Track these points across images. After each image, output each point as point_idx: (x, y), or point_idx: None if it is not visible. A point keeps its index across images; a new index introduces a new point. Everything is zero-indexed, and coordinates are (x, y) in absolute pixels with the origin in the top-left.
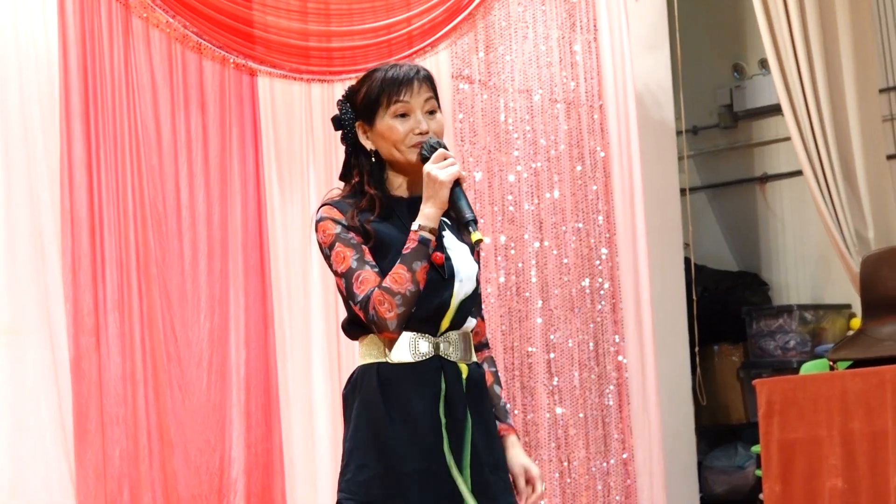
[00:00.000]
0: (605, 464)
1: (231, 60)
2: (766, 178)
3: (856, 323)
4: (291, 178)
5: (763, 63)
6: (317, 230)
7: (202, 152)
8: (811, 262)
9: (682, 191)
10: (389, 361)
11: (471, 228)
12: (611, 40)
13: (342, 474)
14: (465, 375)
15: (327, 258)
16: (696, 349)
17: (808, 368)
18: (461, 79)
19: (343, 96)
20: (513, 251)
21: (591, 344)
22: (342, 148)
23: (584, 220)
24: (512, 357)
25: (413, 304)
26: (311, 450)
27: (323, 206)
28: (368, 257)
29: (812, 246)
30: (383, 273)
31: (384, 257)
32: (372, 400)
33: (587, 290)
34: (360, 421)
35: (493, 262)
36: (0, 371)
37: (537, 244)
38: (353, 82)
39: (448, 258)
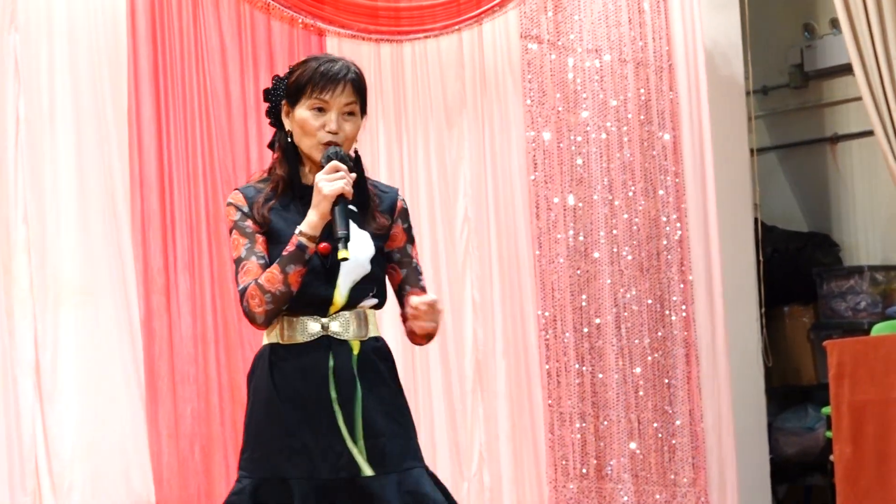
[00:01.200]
0: (673, 425)
1: (299, 21)
2: (836, 139)
3: None
4: (360, 135)
5: (834, 22)
6: (226, 212)
7: None
8: (882, 223)
9: (752, 151)
10: (281, 342)
11: (338, 246)
12: None
13: (241, 453)
14: (356, 352)
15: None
16: (765, 311)
17: (880, 329)
18: (529, 39)
19: (277, 77)
20: (581, 212)
21: (659, 305)
22: (412, 107)
23: (654, 180)
24: (580, 318)
25: (283, 303)
26: None
27: (233, 191)
28: (259, 248)
29: (883, 206)
30: (270, 264)
31: (276, 245)
32: (263, 382)
33: (656, 251)
34: (255, 402)
35: (561, 222)
36: (74, 331)
37: (606, 205)
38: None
39: (334, 248)
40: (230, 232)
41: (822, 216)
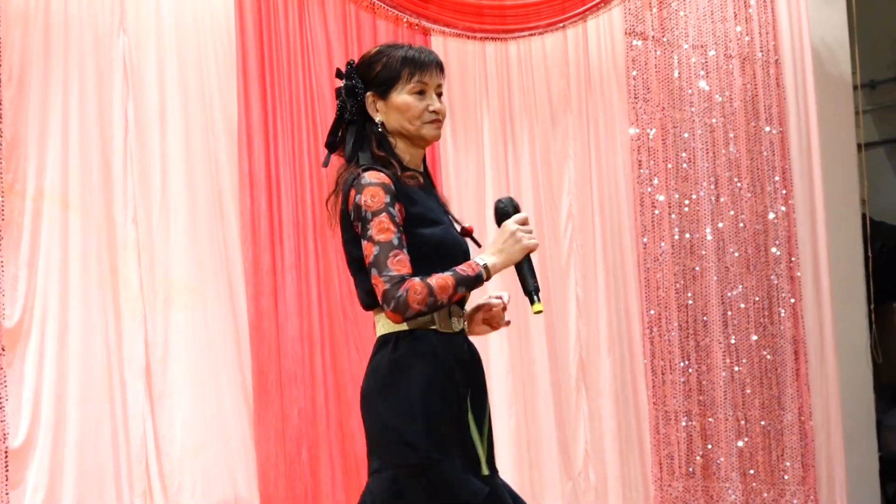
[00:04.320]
0: (781, 423)
1: (404, 20)
2: None
3: None
4: (466, 133)
5: None
6: (363, 192)
7: None
8: None
9: (859, 146)
10: (439, 330)
11: (535, 298)
12: None
13: (413, 434)
14: (466, 346)
15: (364, 220)
16: (873, 307)
17: None
18: (634, 35)
19: (351, 66)
20: (686, 209)
21: (767, 302)
22: (517, 105)
23: (760, 176)
24: (686, 315)
25: (433, 312)
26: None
27: (370, 170)
28: (405, 241)
29: None
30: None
31: (420, 227)
32: (430, 366)
33: (763, 248)
34: (424, 384)
35: (666, 219)
36: (183, 332)
37: (712, 201)
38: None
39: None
40: (375, 213)
41: None
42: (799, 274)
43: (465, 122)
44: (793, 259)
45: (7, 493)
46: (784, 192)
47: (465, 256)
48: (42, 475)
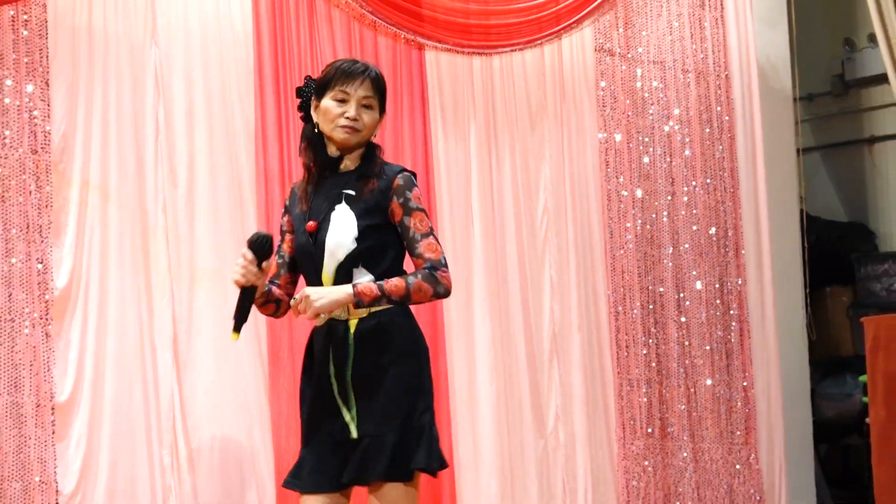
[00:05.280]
0: (727, 391)
1: (402, 36)
2: (873, 140)
3: None
4: (456, 136)
5: (871, 37)
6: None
7: None
8: None
9: (798, 151)
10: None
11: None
12: (735, 16)
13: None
14: (352, 330)
15: None
16: (809, 291)
17: None
18: (603, 52)
19: (308, 76)
20: (647, 203)
21: (716, 285)
22: (500, 112)
23: (712, 176)
24: (646, 296)
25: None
26: (473, 374)
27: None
28: (284, 246)
29: None
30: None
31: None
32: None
33: (714, 238)
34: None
35: (630, 212)
36: (206, 308)
37: (670, 197)
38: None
39: (316, 232)
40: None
41: (860, 208)
42: (744, 261)
43: (455, 126)
44: (739, 248)
45: (53, 445)
46: (732, 190)
47: (306, 256)
48: (83, 429)
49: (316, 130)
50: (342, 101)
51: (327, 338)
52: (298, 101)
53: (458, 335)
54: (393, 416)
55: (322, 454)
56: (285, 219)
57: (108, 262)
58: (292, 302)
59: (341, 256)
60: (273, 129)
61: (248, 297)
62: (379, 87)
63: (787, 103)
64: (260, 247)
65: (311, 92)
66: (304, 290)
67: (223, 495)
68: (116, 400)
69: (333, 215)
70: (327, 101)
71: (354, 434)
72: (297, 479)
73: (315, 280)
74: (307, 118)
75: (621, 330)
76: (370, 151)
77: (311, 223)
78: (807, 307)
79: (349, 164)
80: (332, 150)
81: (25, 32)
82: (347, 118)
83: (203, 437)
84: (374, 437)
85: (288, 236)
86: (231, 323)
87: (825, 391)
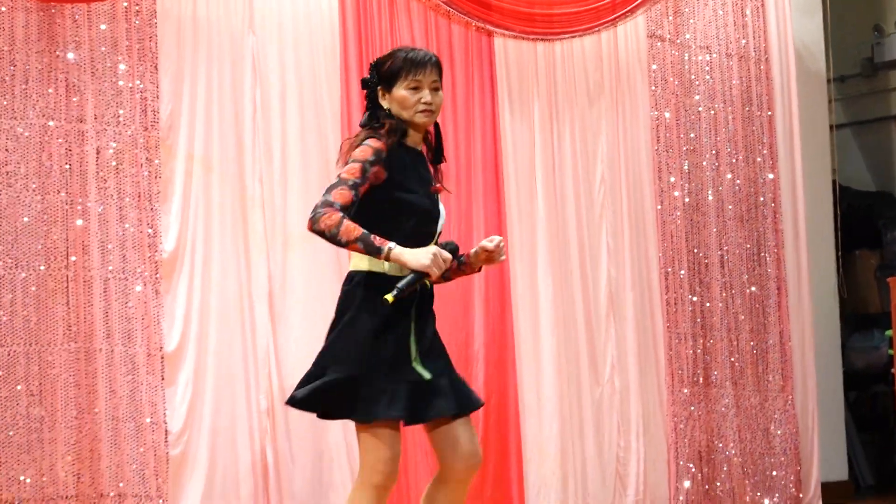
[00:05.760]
0: (765, 344)
1: (473, 25)
2: None
3: None
4: (521, 115)
5: None
6: (360, 147)
7: (451, 96)
8: None
9: (831, 127)
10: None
11: (393, 292)
12: (774, 5)
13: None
14: (432, 289)
15: (347, 162)
16: (840, 254)
17: None
18: (654, 38)
19: (371, 65)
20: (694, 175)
21: (756, 249)
22: (561, 92)
23: (753, 150)
24: (693, 259)
25: (329, 241)
26: (538, 330)
27: (372, 137)
28: (360, 190)
29: None
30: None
31: (395, 189)
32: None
33: (754, 206)
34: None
35: (678, 182)
36: (297, 268)
37: (714, 169)
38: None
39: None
40: (356, 161)
41: (887, 179)
42: (781, 227)
43: (520, 105)
44: (777, 215)
45: (163, 390)
46: (771, 162)
47: (427, 217)
48: (189, 376)
49: (389, 114)
50: (415, 89)
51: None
52: (366, 90)
53: (523, 295)
54: (449, 363)
55: (408, 391)
56: (374, 168)
57: (210, 227)
58: (490, 244)
59: (444, 220)
60: (357, 108)
61: (421, 283)
62: (440, 69)
63: (821, 84)
64: (454, 253)
65: (375, 82)
66: (493, 237)
67: (312, 434)
68: (219, 349)
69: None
70: (401, 91)
71: (428, 376)
72: (392, 411)
73: (424, 235)
74: (375, 105)
75: (670, 289)
76: (437, 133)
77: (436, 186)
78: (838, 269)
79: (417, 139)
80: (409, 130)
81: (137, 22)
82: (425, 103)
83: (295, 382)
84: (443, 378)
85: (366, 186)
86: (394, 291)
87: (854, 344)
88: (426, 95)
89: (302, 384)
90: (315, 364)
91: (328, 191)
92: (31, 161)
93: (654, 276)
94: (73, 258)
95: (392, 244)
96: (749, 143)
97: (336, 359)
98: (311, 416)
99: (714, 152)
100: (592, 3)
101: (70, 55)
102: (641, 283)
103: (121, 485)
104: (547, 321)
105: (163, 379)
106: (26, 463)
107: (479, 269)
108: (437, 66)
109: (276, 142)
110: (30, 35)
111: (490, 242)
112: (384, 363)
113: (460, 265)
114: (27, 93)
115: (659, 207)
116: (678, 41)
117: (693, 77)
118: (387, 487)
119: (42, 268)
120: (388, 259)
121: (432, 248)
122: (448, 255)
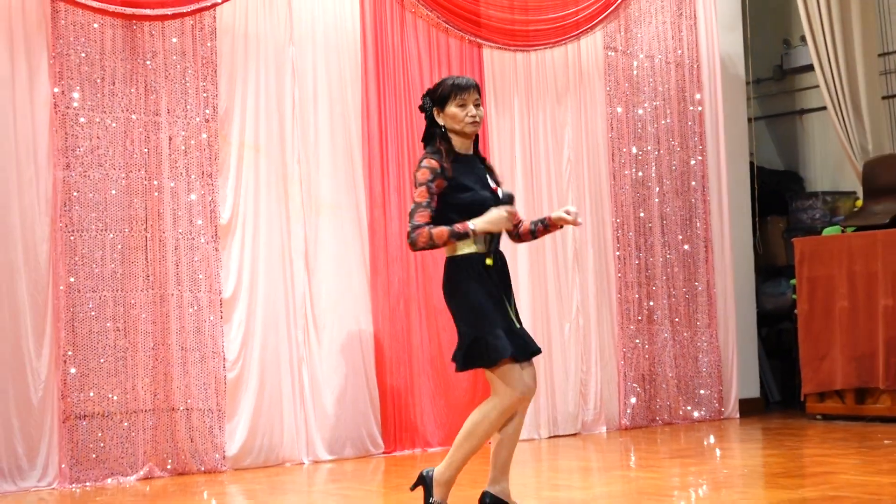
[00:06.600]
0: (695, 290)
1: (466, 39)
2: (802, 112)
3: (859, 203)
4: (503, 110)
5: (802, 38)
6: (419, 170)
7: None
8: (831, 165)
9: (749, 119)
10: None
11: (489, 255)
12: (704, 22)
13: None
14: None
15: (415, 186)
16: (756, 219)
17: (828, 231)
18: (609, 49)
19: (424, 94)
20: (640, 157)
21: (688, 215)
22: (535, 92)
23: (687, 138)
24: (639, 223)
25: (432, 248)
26: (516, 278)
27: (427, 157)
28: (433, 204)
29: (832, 154)
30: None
31: (458, 191)
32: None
33: (687, 182)
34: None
35: (628, 163)
36: (328, 231)
37: (656, 153)
38: (541, 50)
39: (496, 194)
40: (419, 185)
41: (793, 160)
42: (709, 199)
43: (503, 102)
44: (706, 189)
45: (222, 327)
46: (701, 147)
47: (486, 205)
48: (242, 316)
49: (443, 129)
50: (462, 106)
51: (500, 264)
52: (424, 112)
53: (504, 250)
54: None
55: (512, 338)
56: (435, 182)
57: (259, 198)
58: (567, 215)
59: (508, 197)
60: (374, 105)
61: (497, 238)
62: (479, 89)
63: (741, 85)
64: (510, 200)
65: (430, 105)
66: (569, 208)
67: (338, 360)
68: (265, 295)
69: (490, 183)
70: (453, 109)
71: (518, 326)
72: (509, 352)
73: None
74: (433, 123)
75: (621, 247)
76: (477, 139)
77: (494, 186)
78: (754, 231)
79: (468, 145)
80: (455, 141)
81: (200, 36)
82: (471, 116)
83: (325, 321)
84: (521, 327)
85: (435, 199)
86: (488, 255)
87: (766, 290)
88: (472, 110)
89: (456, 353)
90: (459, 334)
91: (411, 216)
92: (118, 146)
93: (608, 236)
94: (151, 223)
95: (470, 223)
96: (683, 133)
97: (468, 323)
98: (337, 348)
99: (656, 140)
100: (560, 21)
101: (148, 62)
102: (599, 241)
103: (189, 400)
104: (524, 272)
105: (221, 318)
106: (114, 384)
107: (561, 227)
108: (477, 87)
109: (310, 130)
110: (116, 46)
111: (568, 215)
112: (497, 318)
113: (546, 227)
114: (114, 92)
115: (612, 182)
116: (628, 52)
117: (639, 80)
118: (513, 408)
119: (126, 230)
120: (475, 235)
121: (494, 210)
122: (509, 207)
